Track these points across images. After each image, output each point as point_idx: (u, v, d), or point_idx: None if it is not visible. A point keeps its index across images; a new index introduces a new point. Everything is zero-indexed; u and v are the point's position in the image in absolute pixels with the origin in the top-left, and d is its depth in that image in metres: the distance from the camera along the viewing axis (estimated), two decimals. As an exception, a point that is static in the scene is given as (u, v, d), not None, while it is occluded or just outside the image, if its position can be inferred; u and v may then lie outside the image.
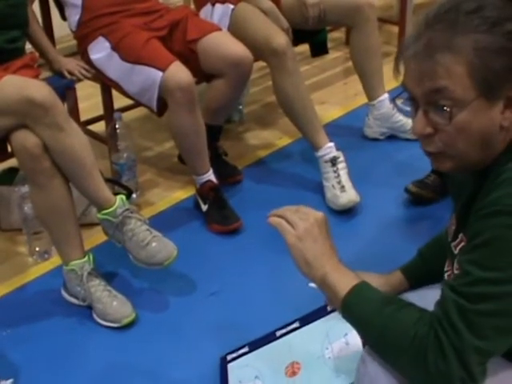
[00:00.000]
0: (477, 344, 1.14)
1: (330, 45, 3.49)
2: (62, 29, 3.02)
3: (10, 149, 2.27)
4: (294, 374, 1.73)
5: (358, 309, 1.29)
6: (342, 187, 2.72)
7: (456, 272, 1.31)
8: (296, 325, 1.85)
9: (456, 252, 1.34)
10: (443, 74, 1.16)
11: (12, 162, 2.49)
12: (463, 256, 1.21)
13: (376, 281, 1.65)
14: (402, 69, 1.25)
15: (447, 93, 1.17)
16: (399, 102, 1.29)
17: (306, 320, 1.82)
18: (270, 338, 1.89)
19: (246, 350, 1.91)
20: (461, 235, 1.33)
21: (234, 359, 1.93)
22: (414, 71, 1.20)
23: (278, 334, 1.87)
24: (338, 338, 1.68)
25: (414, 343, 1.18)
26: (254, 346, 1.90)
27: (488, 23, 1.16)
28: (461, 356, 1.14)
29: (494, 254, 1.14)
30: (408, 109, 1.27)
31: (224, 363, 1.94)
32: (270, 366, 1.81)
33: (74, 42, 2.86)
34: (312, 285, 1.84)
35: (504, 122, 1.19)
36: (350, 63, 3.32)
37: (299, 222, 1.37)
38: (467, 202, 1.30)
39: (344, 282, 1.32)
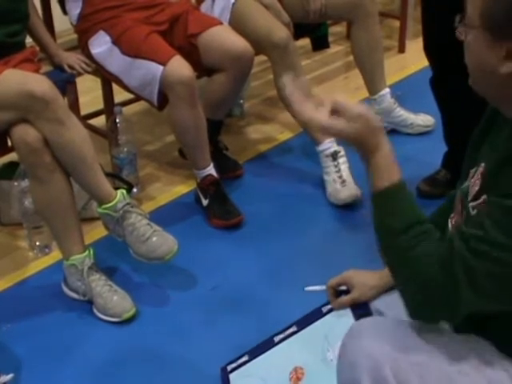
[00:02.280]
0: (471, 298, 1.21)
1: (330, 39, 3.48)
2: (62, 23, 3.02)
3: (10, 143, 2.26)
4: (298, 379, 1.70)
5: (388, 209, 1.36)
6: (343, 182, 2.72)
7: (473, 213, 1.31)
8: (293, 329, 1.81)
9: (473, 213, 1.31)
10: None
11: (12, 156, 2.49)
12: (488, 207, 1.24)
13: (370, 278, 1.65)
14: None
15: (467, 11, 1.26)
16: None
17: (302, 323, 1.79)
18: (268, 344, 1.84)
19: (245, 358, 1.87)
20: (484, 197, 1.29)
21: (234, 369, 1.88)
22: None
23: (277, 339, 1.83)
24: (337, 339, 1.66)
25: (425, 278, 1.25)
26: (254, 353, 1.86)
27: None
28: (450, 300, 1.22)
29: None
30: None
31: (225, 374, 1.89)
32: (274, 373, 1.77)
33: (75, 36, 2.86)
34: (308, 289, 1.83)
35: (501, 68, 1.21)
36: (350, 57, 3.31)
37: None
38: (500, 162, 1.27)
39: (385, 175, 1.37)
